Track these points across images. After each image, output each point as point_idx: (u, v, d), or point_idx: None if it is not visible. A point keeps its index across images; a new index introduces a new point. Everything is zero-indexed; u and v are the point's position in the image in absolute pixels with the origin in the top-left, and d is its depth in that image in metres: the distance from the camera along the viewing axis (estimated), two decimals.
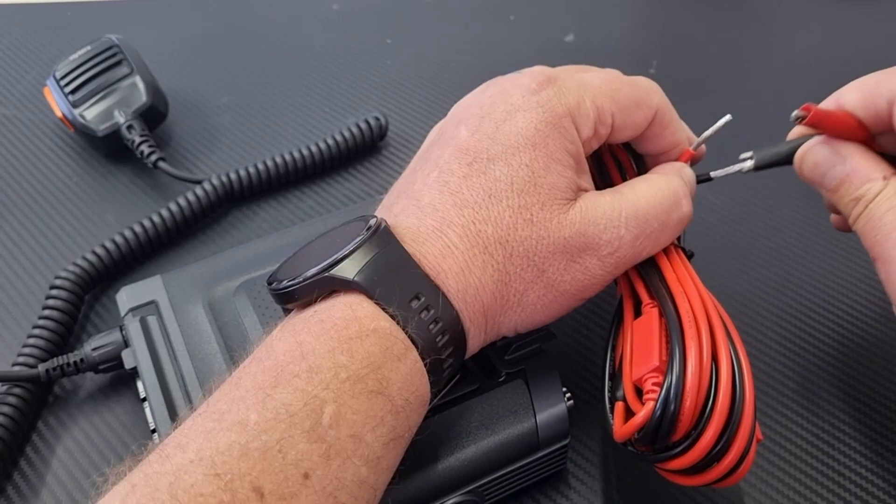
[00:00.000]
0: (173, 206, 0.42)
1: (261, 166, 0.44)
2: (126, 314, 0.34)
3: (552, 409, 0.29)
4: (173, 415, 0.30)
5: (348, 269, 0.25)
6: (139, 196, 0.45)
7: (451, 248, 0.27)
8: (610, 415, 0.28)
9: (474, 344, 0.27)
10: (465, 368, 0.30)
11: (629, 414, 0.27)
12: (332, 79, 0.53)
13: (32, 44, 0.58)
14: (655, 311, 0.29)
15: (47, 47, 0.57)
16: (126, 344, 0.33)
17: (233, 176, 0.44)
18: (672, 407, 0.25)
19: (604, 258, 0.28)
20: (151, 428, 0.31)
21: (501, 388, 0.30)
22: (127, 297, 0.34)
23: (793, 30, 0.56)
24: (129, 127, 0.45)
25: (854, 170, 0.30)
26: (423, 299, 0.25)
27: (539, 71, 0.30)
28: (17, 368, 0.35)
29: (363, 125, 0.46)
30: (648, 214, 0.29)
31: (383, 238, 0.26)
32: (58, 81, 0.47)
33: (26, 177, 0.47)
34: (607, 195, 0.29)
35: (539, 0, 0.60)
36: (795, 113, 0.31)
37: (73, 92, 0.46)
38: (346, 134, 0.46)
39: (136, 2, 0.61)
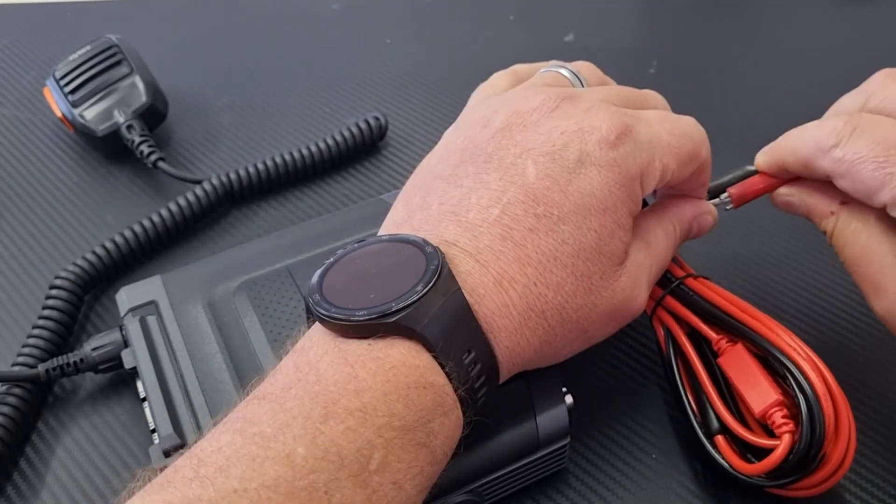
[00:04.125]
0: (173, 207, 0.42)
1: (261, 166, 0.44)
2: (126, 314, 0.34)
3: (552, 409, 0.29)
4: (173, 415, 0.30)
5: (415, 318, 0.23)
6: (139, 196, 0.45)
7: (510, 308, 0.25)
8: (715, 451, 0.30)
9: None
10: None
11: (745, 448, 0.30)
12: (332, 79, 0.53)
13: (32, 44, 0.58)
14: (741, 346, 0.30)
15: (47, 47, 0.57)
16: (126, 344, 0.33)
17: (233, 176, 0.44)
18: (818, 433, 0.27)
19: (635, 313, 0.29)
20: (151, 428, 0.31)
21: (502, 388, 0.30)
22: (127, 296, 0.34)
23: (792, 30, 0.56)
24: (129, 127, 0.45)
25: (809, 209, 0.32)
26: (473, 354, 0.25)
27: (615, 116, 0.28)
28: (16, 368, 0.35)
29: (363, 125, 0.46)
30: (664, 265, 0.31)
31: (447, 285, 0.24)
32: (57, 81, 0.47)
33: (26, 177, 0.47)
34: (641, 250, 0.29)
35: (539, 0, 0.60)
36: (723, 197, 0.34)
37: (72, 92, 0.46)
38: (346, 134, 0.46)
39: (136, 2, 0.61)
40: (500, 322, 0.25)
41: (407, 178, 0.45)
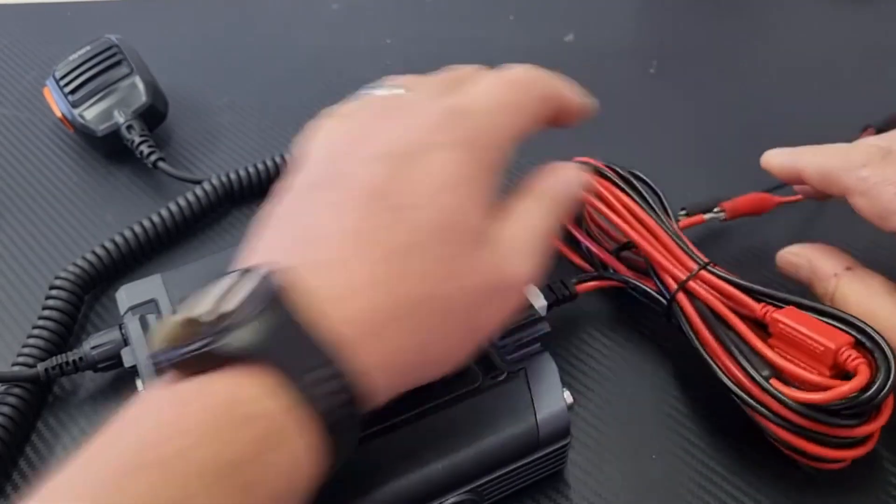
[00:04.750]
0: (173, 207, 0.42)
1: (260, 166, 0.44)
2: (126, 313, 0.34)
3: (552, 408, 0.29)
4: None
5: (239, 341, 0.21)
6: (138, 196, 0.45)
7: (370, 313, 0.23)
8: (774, 391, 0.29)
9: (391, 397, 0.25)
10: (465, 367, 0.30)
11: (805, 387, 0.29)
12: (332, 79, 0.53)
13: (32, 44, 0.58)
14: (792, 308, 0.31)
15: (47, 47, 0.57)
16: (126, 342, 0.33)
17: (232, 176, 0.44)
18: (893, 373, 0.28)
19: (520, 289, 0.27)
20: None
21: (502, 387, 0.30)
22: (126, 295, 0.34)
23: (792, 30, 0.56)
24: (129, 127, 0.45)
25: (814, 270, 0.34)
26: (324, 374, 0.22)
27: (443, 102, 0.28)
28: (16, 368, 0.35)
29: None
30: (542, 235, 0.28)
31: (283, 303, 0.22)
32: (57, 82, 0.47)
33: (26, 177, 0.47)
34: (508, 223, 0.28)
35: (539, 0, 0.60)
36: (716, 213, 0.38)
37: (72, 92, 0.46)
38: None
39: (136, 2, 0.61)
40: (358, 331, 0.23)
41: None
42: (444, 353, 0.26)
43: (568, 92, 0.31)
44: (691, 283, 0.33)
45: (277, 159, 0.44)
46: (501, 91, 0.30)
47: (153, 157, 0.44)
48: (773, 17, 0.57)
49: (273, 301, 0.22)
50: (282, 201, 0.28)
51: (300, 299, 0.23)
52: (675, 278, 0.33)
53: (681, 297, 0.33)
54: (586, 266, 0.39)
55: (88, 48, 0.48)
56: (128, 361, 0.32)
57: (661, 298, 0.34)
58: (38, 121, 0.51)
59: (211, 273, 0.34)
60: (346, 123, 0.29)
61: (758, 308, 0.31)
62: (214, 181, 0.43)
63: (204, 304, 0.22)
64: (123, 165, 0.47)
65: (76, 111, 0.46)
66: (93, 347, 0.34)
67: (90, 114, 0.45)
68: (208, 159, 0.48)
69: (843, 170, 0.31)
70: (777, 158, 0.35)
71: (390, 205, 0.25)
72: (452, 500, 0.28)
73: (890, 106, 0.43)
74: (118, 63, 0.47)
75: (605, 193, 0.36)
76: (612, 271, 0.37)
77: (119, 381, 0.36)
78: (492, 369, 0.30)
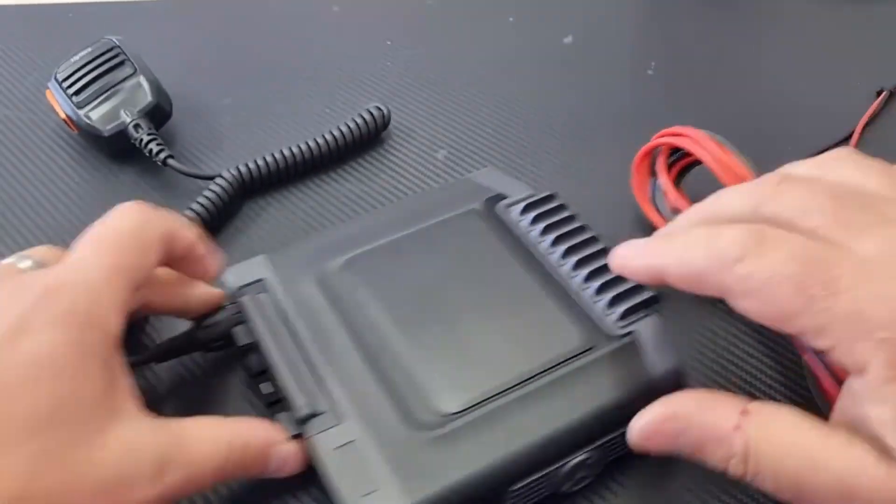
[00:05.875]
0: (196, 206, 0.42)
1: (277, 155, 0.45)
2: (236, 291, 0.34)
3: (665, 366, 0.31)
4: (301, 383, 0.30)
5: None
6: (144, 196, 0.45)
7: None
8: None
9: None
10: (570, 330, 0.32)
11: None
12: (333, 80, 0.53)
13: (33, 45, 0.58)
14: None
15: (48, 49, 0.57)
16: (237, 322, 0.34)
17: (244, 168, 0.44)
18: None
19: (142, 498, 0.25)
20: (270, 401, 0.32)
21: (616, 350, 0.31)
22: (233, 276, 0.35)
23: (792, 31, 0.57)
24: (136, 126, 0.45)
25: (703, 433, 0.24)
26: None
27: (37, 275, 0.26)
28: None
29: (367, 115, 0.47)
30: (193, 477, 0.26)
31: None
32: (60, 83, 0.47)
33: (29, 178, 0.47)
34: (159, 434, 0.26)
35: (538, 2, 0.60)
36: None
37: (76, 93, 0.46)
38: (351, 124, 0.47)
39: (137, 4, 0.62)
40: None
41: (409, 174, 0.46)
42: None
43: (175, 229, 0.30)
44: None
45: (294, 149, 0.45)
46: (96, 255, 0.27)
47: (162, 155, 0.44)
48: (773, 19, 0.58)
49: None
50: None
51: None
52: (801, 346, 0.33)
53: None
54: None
55: (90, 49, 0.48)
56: (242, 340, 0.33)
57: None
58: (40, 122, 0.51)
59: (315, 251, 0.36)
60: None
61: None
62: (231, 173, 0.43)
63: None
64: (128, 166, 0.47)
65: (81, 112, 0.46)
66: (203, 327, 0.34)
67: (96, 114, 0.46)
68: (210, 160, 0.48)
69: (715, 269, 0.24)
70: (633, 261, 0.27)
71: None
72: (580, 457, 0.29)
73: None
74: (121, 63, 0.47)
75: (710, 154, 0.37)
76: None
77: (220, 361, 0.36)
78: (604, 334, 0.32)
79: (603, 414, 0.29)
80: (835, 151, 0.27)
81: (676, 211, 0.38)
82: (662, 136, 0.39)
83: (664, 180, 0.39)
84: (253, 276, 0.35)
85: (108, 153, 0.48)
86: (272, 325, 0.33)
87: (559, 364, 0.31)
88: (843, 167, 0.26)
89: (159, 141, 0.45)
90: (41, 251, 0.30)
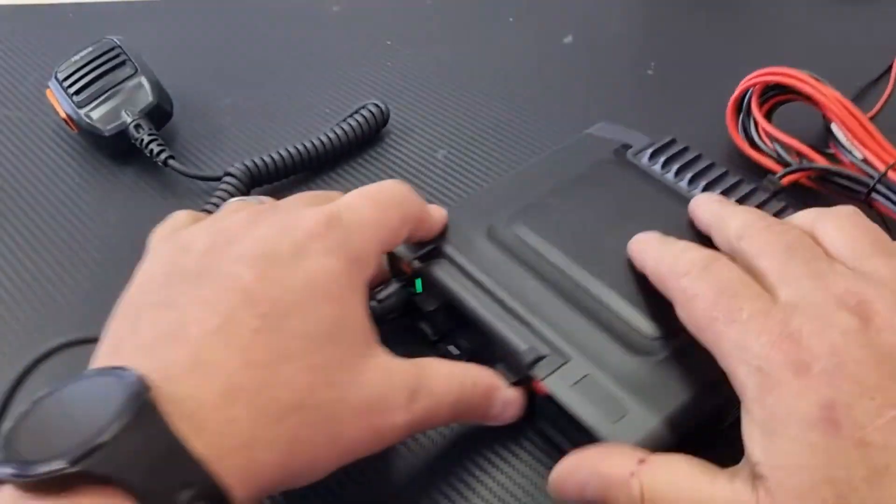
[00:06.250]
0: (211, 208, 0.41)
1: (282, 152, 0.45)
2: (413, 261, 0.34)
3: None
4: (515, 331, 0.31)
5: (109, 463, 0.20)
6: (144, 195, 0.46)
7: (237, 422, 0.23)
8: None
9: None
10: None
11: None
12: (333, 80, 0.54)
13: (34, 45, 0.58)
14: None
15: (49, 48, 0.57)
16: (412, 292, 0.34)
17: (256, 161, 0.44)
18: None
19: (389, 421, 0.27)
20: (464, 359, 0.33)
21: None
22: (405, 247, 0.34)
23: (792, 30, 0.57)
24: (137, 126, 0.45)
25: (603, 478, 0.26)
26: (192, 491, 0.21)
27: (316, 208, 0.29)
28: None
29: (366, 113, 0.47)
30: (438, 408, 0.28)
31: (151, 417, 0.21)
32: (60, 83, 0.47)
33: (29, 178, 0.47)
34: (406, 364, 0.28)
35: (538, 2, 0.60)
36: None
37: (77, 93, 0.46)
38: (353, 122, 0.47)
39: (138, 4, 0.62)
40: (225, 441, 0.23)
41: (410, 174, 0.46)
42: (309, 467, 0.25)
43: (426, 211, 0.33)
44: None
45: (291, 149, 0.45)
46: (368, 206, 0.30)
47: (163, 155, 0.44)
48: (772, 18, 0.58)
49: (137, 418, 0.21)
50: (146, 286, 0.27)
51: (164, 410, 0.22)
52: (882, 160, 0.37)
53: (892, 174, 0.36)
54: (773, 165, 0.41)
55: (91, 49, 0.48)
56: (428, 306, 0.34)
57: (865, 180, 0.38)
58: (40, 121, 0.51)
59: (479, 210, 0.36)
60: (217, 222, 0.29)
61: None
62: (237, 169, 0.43)
63: (66, 418, 0.21)
64: (128, 166, 0.47)
65: (82, 111, 0.46)
66: (380, 301, 0.33)
67: (97, 114, 0.46)
68: (211, 160, 0.48)
69: (669, 275, 0.29)
70: (631, 246, 0.32)
71: (266, 310, 0.25)
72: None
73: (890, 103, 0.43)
74: (122, 63, 0.47)
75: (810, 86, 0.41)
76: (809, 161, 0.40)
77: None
78: None
79: None
80: (842, 208, 0.30)
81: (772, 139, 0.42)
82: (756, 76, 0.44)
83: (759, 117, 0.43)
84: (424, 245, 0.35)
85: (109, 153, 0.48)
86: (464, 284, 0.33)
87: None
88: (830, 222, 0.29)
89: (160, 141, 0.45)
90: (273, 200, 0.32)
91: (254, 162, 0.44)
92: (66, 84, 0.47)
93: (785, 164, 0.41)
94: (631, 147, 0.40)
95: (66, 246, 0.43)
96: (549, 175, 0.38)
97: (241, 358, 0.24)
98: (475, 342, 0.33)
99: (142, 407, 0.21)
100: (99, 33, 0.49)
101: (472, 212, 0.36)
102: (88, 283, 0.41)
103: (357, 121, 0.47)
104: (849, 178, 0.38)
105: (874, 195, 0.38)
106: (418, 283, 0.34)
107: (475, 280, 0.33)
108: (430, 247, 0.34)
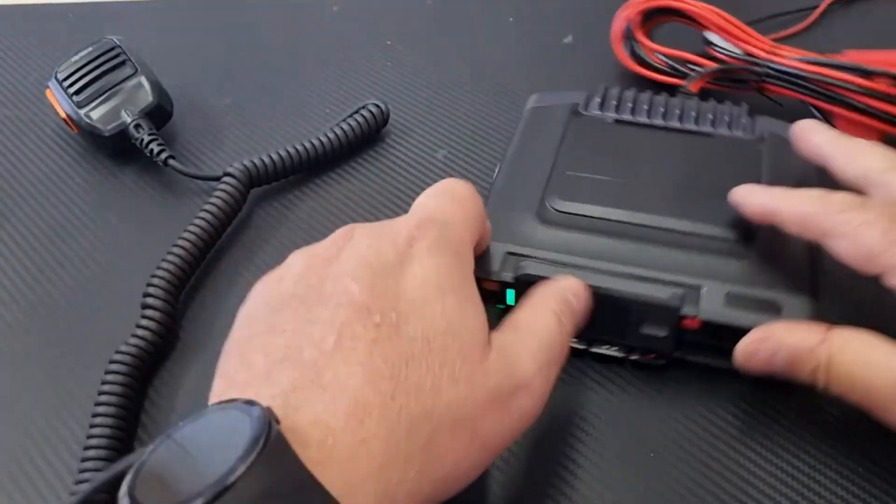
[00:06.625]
0: (211, 208, 0.41)
1: (281, 153, 0.45)
2: (501, 274, 0.34)
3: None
4: (641, 286, 0.33)
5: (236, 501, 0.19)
6: (144, 195, 0.46)
7: (368, 443, 0.22)
8: None
9: None
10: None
11: None
12: (333, 80, 0.54)
13: (34, 45, 0.58)
14: None
15: (49, 49, 0.57)
16: (503, 308, 0.34)
17: (255, 161, 0.44)
18: None
19: (534, 393, 0.26)
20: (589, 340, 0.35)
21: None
22: (497, 248, 0.35)
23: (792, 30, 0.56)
24: (137, 126, 0.45)
25: (791, 350, 0.29)
26: None
27: (406, 216, 0.29)
28: None
29: (366, 113, 0.47)
30: (553, 342, 0.28)
31: (278, 452, 0.20)
32: (60, 83, 0.47)
33: (29, 178, 0.47)
34: (508, 330, 0.28)
35: (538, 2, 0.60)
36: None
37: (77, 93, 0.46)
38: (353, 122, 0.47)
39: (137, 4, 0.62)
40: (361, 467, 0.22)
41: (410, 174, 0.46)
42: (452, 476, 0.24)
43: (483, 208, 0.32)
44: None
45: (298, 146, 0.45)
46: (450, 203, 0.30)
47: (163, 155, 0.44)
48: (772, 17, 0.58)
49: (266, 455, 0.20)
50: (247, 323, 0.26)
51: (305, 434, 0.21)
52: (763, 49, 0.44)
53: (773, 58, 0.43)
54: (662, 78, 0.48)
55: (91, 49, 0.48)
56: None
57: (757, 70, 0.44)
58: (40, 121, 0.51)
59: (510, 200, 0.37)
60: (306, 251, 0.28)
61: None
62: (237, 169, 0.43)
63: (198, 461, 0.20)
64: (128, 166, 0.47)
65: (82, 111, 0.46)
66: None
67: (97, 114, 0.46)
68: (211, 160, 0.48)
69: (822, 213, 0.30)
70: (751, 199, 0.33)
71: (380, 320, 0.24)
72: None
73: None
74: (122, 63, 0.47)
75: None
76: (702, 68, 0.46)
77: None
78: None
79: None
80: None
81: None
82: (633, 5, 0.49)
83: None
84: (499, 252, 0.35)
85: (109, 153, 0.48)
86: (564, 273, 0.33)
87: None
88: None
89: (160, 141, 0.45)
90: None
91: (253, 162, 0.44)
92: (66, 84, 0.47)
93: (679, 74, 0.47)
94: (578, 104, 0.42)
95: (66, 246, 0.43)
96: (539, 153, 0.39)
97: (364, 372, 0.23)
98: (591, 326, 0.32)
99: (269, 441, 0.20)
100: (99, 33, 0.49)
101: (501, 211, 0.36)
102: (88, 283, 0.41)
103: (357, 121, 0.47)
104: (745, 70, 0.45)
105: (766, 79, 0.44)
106: (510, 294, 0.34)
107: (566, 264, 0.34)
108: (499, 259, 0.34)
